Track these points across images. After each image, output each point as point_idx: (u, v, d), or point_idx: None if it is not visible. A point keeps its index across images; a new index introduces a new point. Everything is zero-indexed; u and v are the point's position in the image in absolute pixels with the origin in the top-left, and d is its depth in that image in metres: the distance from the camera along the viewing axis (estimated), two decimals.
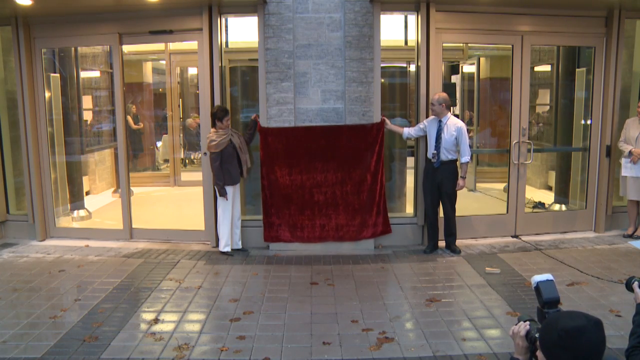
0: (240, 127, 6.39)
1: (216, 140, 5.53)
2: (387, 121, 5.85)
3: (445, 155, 5.63)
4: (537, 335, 1.71)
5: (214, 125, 5.63)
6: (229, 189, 5.65)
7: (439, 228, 5.84)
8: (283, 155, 5.75)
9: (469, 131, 9.13)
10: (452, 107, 9.48)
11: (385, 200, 5.90)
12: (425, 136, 5.82)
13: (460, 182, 5.68)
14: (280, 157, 5.75)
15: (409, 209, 6.40)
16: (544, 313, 1.80)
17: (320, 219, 5.82)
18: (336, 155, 5.76)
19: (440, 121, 5.64)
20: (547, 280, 1.85)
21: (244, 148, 5.76)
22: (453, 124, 5.63)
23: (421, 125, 5.82)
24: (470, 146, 8.85)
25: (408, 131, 5.89)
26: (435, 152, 5.65)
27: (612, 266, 5.24)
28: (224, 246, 5.75)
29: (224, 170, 5.59)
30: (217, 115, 5.55)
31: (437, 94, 5.66)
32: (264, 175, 5.80)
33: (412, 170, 6.26)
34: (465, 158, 5.63)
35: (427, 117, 5.87)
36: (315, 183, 5.78)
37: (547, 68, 8.40)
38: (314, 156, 5.75)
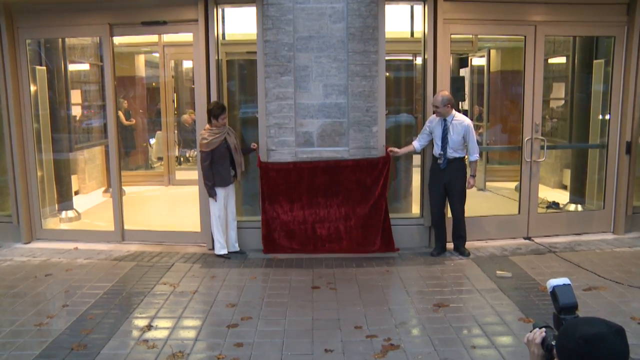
0: (238, 123, 6.38)
1: (207, 139, 5.51)
2: (395, 149, 5.80)
3: (452, 154, 5.61)
4: (553, 343, 1.69)
5: (209, 122, 5.61)
6: (220, 190, 5.63)
7: (446, 229, 5.82)
8: (284, 191, 5.78)
9: (478, 127, 9.17)
10: (460, 102, 9.53)
11: (389, 218, 5.87)
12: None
13: (470, 181, 5.68)
14: (281, 192, 5.78)
15: (415, 209, 6.39)
16: (561, 319, 1.78)
17: (323, 253, 5.83)
18: (340, 191, 5.80)
19: (445, 120, 5.61)
20: (564, 284, 1.83)
21: (239, 149, 5.74)
22: (459, 122, 5.61)
23: (426, 130, 5.77)
24: (480, 143, 8.88)
25: (419, 144, 5.82)
26: (441, 152, 5.63)
27: (632, 270, 5.21)
28: (220, 249, 5.74)
29: (213, 171, 5.58)
30: (213, 112, 5.52)
31: (439, 93, 5.60)
32: (265, 210, 5.82)
33: (419, 169, 6.24)
34: (475, 156, 5.62)
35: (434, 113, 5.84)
36: (318, 218, 5.83)
37: (562, 60, 8.37)
38: (317, 191, 5.79)
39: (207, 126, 5.63)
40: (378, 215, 5.80)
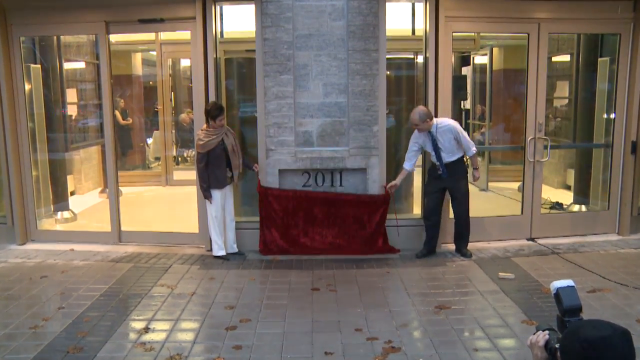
0: (236, 122, 6.37)
1: (204, 140, 5.50)
2: (393, 183, 5.78)
3: (449, 159, 5.59)
4: (557, 346, 1.68)
5: (207, 122, 5.60)
6: (216, 191, 5.63)
7: (438, 234, 5.83)
8: (282, 217, 5.81)
9: (480, 127, 9.17)
10: (462, 102, 9.53)
11: (385, 227, 5.90)
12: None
13: (475, 173, 5.70)
14: (279, 217, 5.81)
15: (417, 210, 6.38)
16: (565, 322, 1.78)
17: (323, 255, 5.85)
18: (337, 223, 5.84)
19: (430, 132, 5.57)
20: (568, 286, 1.83)
21: (237, 151, 5.71)
22: (444, 127, 5.54)
23: (414, 148, 5.68)
24: (483, 143, 8.88)
25: (410, 165, 5.73)
26: (438, 163, 5.61)
27: (638, 272, 5.20)
28: (218, 250, 5.74)
29: (209, 172, 5.58)
30: (211, 113, 5.49)
31: (415, 111, 5.51)
32: (263, 233, 5.86)
33: (420, 169, 6.23)
34: (472, 151, 5.60)
35: (436, 114, 5.79)
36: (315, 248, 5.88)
37: (566, 58, 8.37)
38: (314, 220, 5.83)
39: (205, 126, 5.62)
40: (372, 246, 5.86)
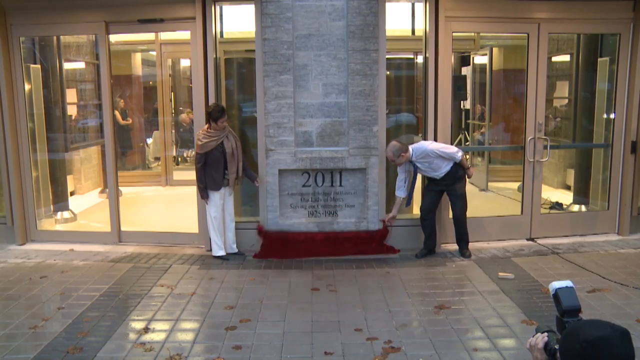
0: (236, 121, 6.37)
1: (202, 141, 5.49)
2: (392, 215, 5.79)
3: (441, 173, 5.63)
4: (556, 347, 1.69)
5: (208, 123, 5.59)
6: (214, 192, 5.62)
7: (436, 233, 5.86)
8: (282, 251, 5.79)
9: (480, 127, 9.16)
10: (462, 102, 9.53)
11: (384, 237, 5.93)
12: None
13: (468, 172, 5.73)
14: (280, 253, 5.79)
15: (416, 210, 6.37)
16: (564, 322, 1.78)
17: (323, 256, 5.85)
18: (336, 253, 5.82)
19: (411, 162, 5.62)
20: (567, 287, 1.83)
21: (237, 155, 5.67)
22: (420, 154, 5.56)
23: (402, 177, 5.73)
24: (482, 143, 8.88)
25: (402, 193, 5.76)
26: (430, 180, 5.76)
27: (638, 272, 5.20)
28: (217, 250, 5.74)
29: (206, 174, 5.58)
30: (213, 115, 5.47)
31: (388, 149, 5.57)
32: (259, 255, 5.84)
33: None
34: (457, 157, 5.57)
35: (436, 114, 5.86)
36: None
37: (565, 58, 8.38)
38: (314, 252, 5.80)
39: (206, 127, 5.61)
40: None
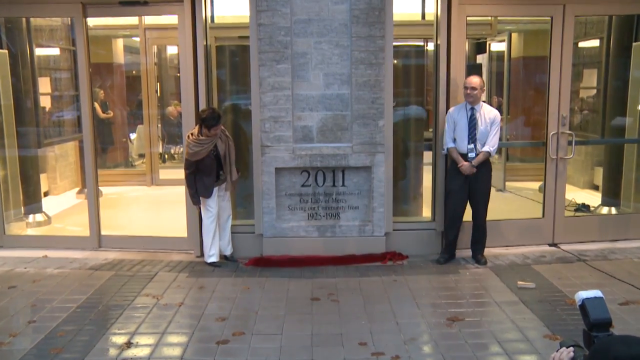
0: (229, 115, 6.37)
1: (193, 150, 5.47)
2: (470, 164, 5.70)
3: (479, 149, 5.60)
4: None
5: (200, 128, 5.51)
6: (207, 199, 5.64)
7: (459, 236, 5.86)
8: (278, 263, 5.83)
9: None
10: None
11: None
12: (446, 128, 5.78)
13: (466, 165, 5.60)
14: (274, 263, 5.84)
15: (426, 213, 6.39)
16: (592, 337, 1.77)
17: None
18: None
19: (473, 109, 5.60)
20: (596, 297, 1.82)
21: (231, 157, 5.69)
22: (488, 112, 5.64)
23: (451, 126, 5.68)
24: (500, 138, 8.87)
25: (450, 143, 5.69)
26: (472, 146, 5.60)
27: None
28: (210, 256, 5.75)
29: (197, 180, 5.60)
30: (207, 123, 5.42)
31: (476, 76, 5.65)
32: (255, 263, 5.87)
33: (430, 167, 6.24)
34: (492, 148, 5.59)
35: (447, 104, 5.81)
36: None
37: (594, 43, 8.34)
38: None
39: (196, 131, 5.53)
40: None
